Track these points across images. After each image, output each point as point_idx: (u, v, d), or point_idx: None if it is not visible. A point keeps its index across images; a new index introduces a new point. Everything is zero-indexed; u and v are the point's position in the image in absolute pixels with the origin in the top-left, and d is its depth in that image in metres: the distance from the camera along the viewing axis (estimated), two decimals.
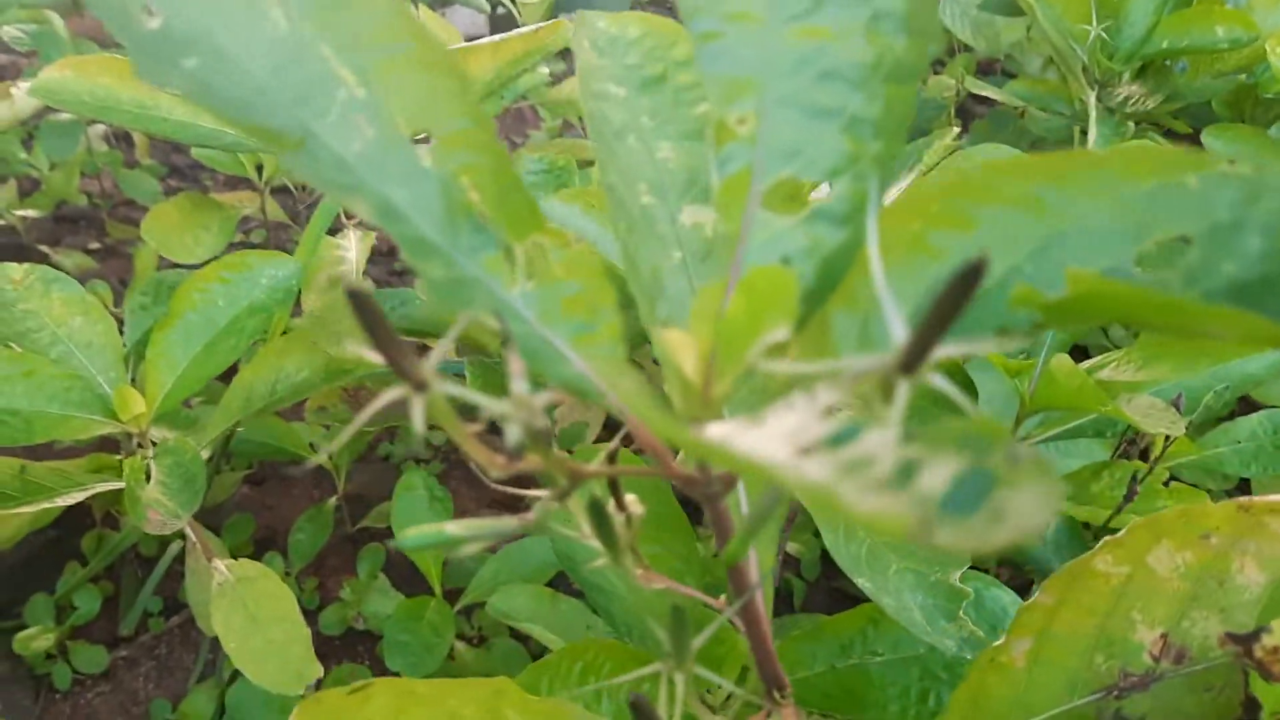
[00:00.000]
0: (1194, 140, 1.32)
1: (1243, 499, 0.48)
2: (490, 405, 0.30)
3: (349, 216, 1.15)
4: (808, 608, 1.18)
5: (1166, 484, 0.98)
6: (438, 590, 0.98)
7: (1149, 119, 1.40)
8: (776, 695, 0.46)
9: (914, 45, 0.35)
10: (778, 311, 0.31)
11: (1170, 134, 1.47)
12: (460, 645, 0.98)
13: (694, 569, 0.68)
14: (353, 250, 0.98)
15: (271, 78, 0.33)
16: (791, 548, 1.19)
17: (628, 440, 0.41)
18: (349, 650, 1.12)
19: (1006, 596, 0.67)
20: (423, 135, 0.36)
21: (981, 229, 0.35)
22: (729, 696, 0.46)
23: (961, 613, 0.63)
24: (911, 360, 0.28)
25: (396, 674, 0.92)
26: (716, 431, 0.28)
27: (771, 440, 0.26)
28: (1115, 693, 0.50)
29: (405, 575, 1.14)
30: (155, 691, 1.10)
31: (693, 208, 0.44)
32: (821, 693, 0.80)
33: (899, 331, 0.29)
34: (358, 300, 0.27)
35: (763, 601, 0.45)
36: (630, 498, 0.43)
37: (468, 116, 0.36)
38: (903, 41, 0.35)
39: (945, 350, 0.28)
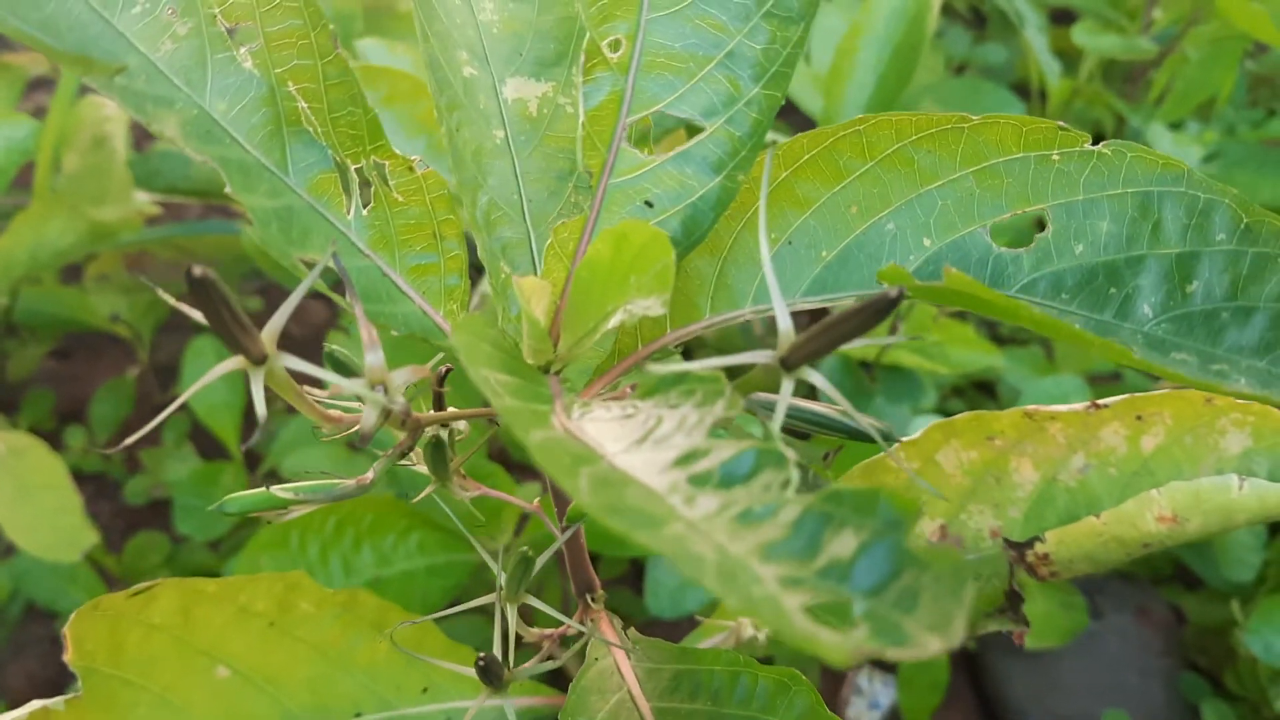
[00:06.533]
0: None
1: (1029, 407, 0.52)
2: (343, 384, 0.27)
3: None
4: None
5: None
6: (236, 455, 0.94)
7: None
8: (589, 599, 0.47)
9: None
10: (652, 280, 0.29)
11: None
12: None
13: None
14: (117, 109, 0.86)
15: None
16: None
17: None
18: (156, 518, 1.05)
19: None
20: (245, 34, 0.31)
21: (850, 182, 0.34)
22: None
23: None
24: (798, 360, 0.27)
25: (189, 538, 0.88)
26: (588, 431, 0.27)
27: (650, 460, 0.24)
28: (952, 650, 0.54)
29: (213, 442, 1.08)
30: None
31: (517, 80, 0.40)
32: (593, 534, 0.83)
33: (785, 324, 0.28)
34: (200, 287, 0.23)
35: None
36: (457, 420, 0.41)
37: (299, 12, 0.31)
38: None
39: (832, 348, 0.27)
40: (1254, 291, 0.31)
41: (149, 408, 1.14)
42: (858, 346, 1.09)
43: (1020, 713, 0.95)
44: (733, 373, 0.29)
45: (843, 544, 0.21)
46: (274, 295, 1.25)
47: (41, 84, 1.49)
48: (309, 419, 0.90)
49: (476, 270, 0.41)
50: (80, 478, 0.83)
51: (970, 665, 1.02)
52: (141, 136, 1.25)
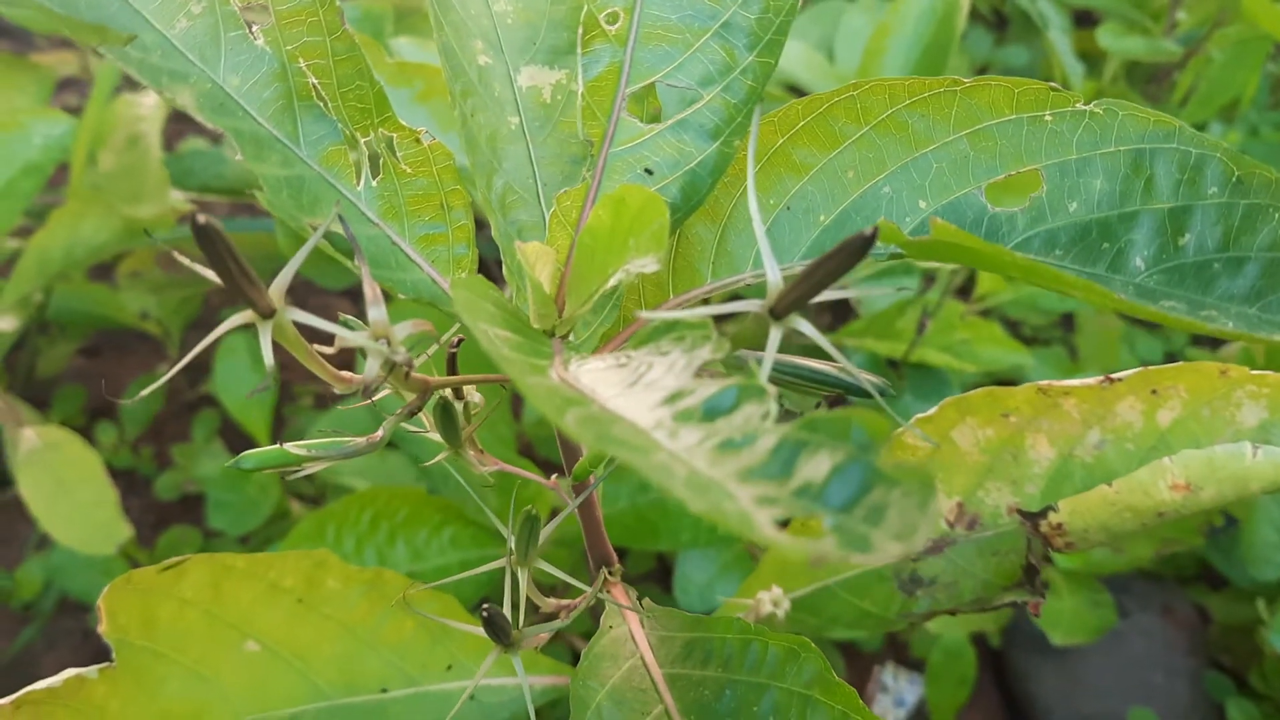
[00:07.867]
0: None
1: (1042, 382, 0.52)
2: (347, 336, 0.28)
3: None
4: None
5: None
6: None
7: None
8: (606, 572, 0.47)
9: None
10: (648, 240, 0.30)
11: None
12: (297, 505, 0.96)
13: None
14: (151, 108, 0.89)
15: None
16: None
17: None
18: (186, 514, 1.08)
19: None
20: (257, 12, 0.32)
21: (846, 148, 0.35)
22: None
23: None
24: (785, 308, 0.28)
25: (220, 533, 0.90)
26: (583, 380, 0.28)
27: (639, 401, 0.25)
28: (912, 555, 0.55)
29: (243, 438, 1.10)
30: None
31: (531, 69, 0.41)
32: (622, 526, 0.84)
33: (774, 275, 0.29)
34: (204, 235, 0.24)
35: (597, 489, 0.45)
36: (469, 389, 0.42)
37: None
38: None
39: (820, 297, 0.28)
40: (1246, 242, 0.32)
41: (179, 404, 1.16)
42: (885, 343, 1.09)
43: (1045, 711, 0.95)
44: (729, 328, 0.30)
45: (816, 467, 0.22)
46: (302, 292, 1.27)
47: (70, 84, 1.52)
48: (335, 416, 0.91)
49: (496, 265, 0.42)
50: (111, 473, 0.85)
51: (995, 663, 1.02)
52: (172, 136, 1.28)
